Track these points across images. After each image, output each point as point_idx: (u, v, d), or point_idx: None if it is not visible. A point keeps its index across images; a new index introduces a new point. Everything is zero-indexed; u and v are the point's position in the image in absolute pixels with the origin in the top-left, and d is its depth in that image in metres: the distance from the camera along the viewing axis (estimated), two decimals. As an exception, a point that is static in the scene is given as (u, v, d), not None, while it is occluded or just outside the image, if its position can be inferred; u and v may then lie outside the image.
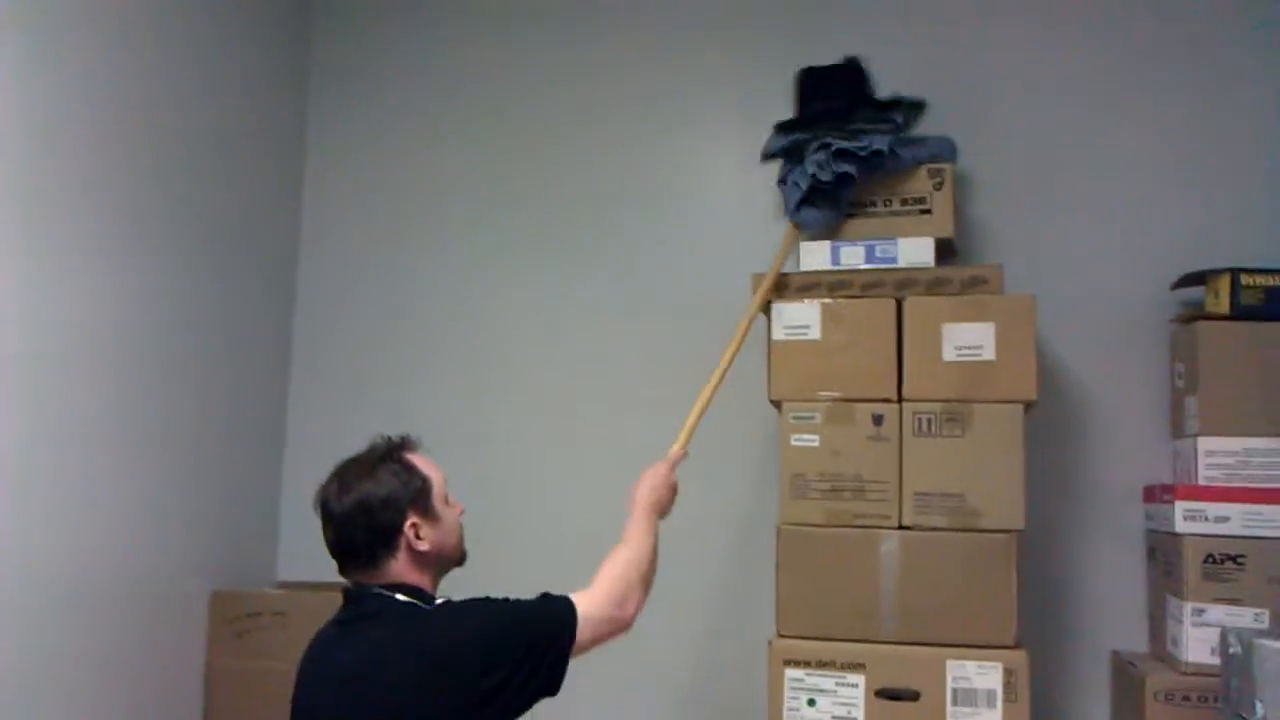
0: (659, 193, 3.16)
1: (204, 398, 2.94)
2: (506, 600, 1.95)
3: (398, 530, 1.92)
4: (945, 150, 2.71)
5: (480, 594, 1.94)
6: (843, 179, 2.64)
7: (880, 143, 2.62)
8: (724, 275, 2.85)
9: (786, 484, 2.50)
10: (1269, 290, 2.47)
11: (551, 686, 1.89)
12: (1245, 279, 2.48)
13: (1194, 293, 2.62)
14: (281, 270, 3.35)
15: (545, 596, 1.97)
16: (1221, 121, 2.80)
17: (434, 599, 1.94)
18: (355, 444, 2.02)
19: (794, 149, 2.75)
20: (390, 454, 1.98)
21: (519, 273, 3.23)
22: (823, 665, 2.39)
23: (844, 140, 2.64)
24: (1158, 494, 2.59)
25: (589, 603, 1.97)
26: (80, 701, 2.48)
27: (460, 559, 2.05)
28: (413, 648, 1.84)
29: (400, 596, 1.91)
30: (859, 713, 2.35)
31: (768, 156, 2.81)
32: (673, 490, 2.32)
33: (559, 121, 3.25)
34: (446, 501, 2.02)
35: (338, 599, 2.02)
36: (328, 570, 1.99)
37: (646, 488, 2.27)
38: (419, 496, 1.95)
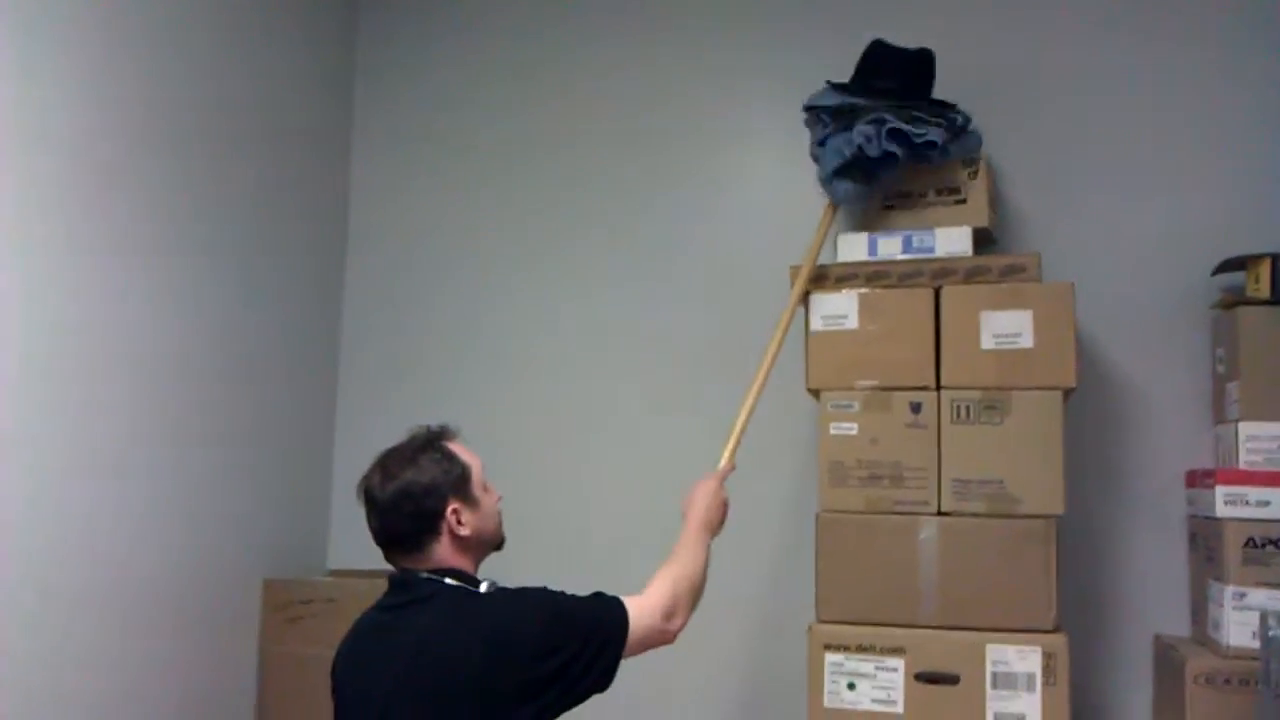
0: (697, 184, 3.19)
1: (256, 393, 3.02)
2: (562, 593, 2.00)
3: (440, 516, 1.98)
4: (974, 142, 2.72)
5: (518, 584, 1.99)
6: (887, 159, 2.62)
7: (936, 134, 2.61)
8: (762, 266, 2.88)
9: (825, 472, 2.53)
10: (1310, 275, 2.47)
11: (603, 683, 1.94)
12: (1286, 263, 2.47)
13: (1235, 278, 2.62)
14: (330, 266, 3.42)
15: (599, 595, 2.01)
16: (1264, 102, 2.78)
17: (479, 582, 2.00)
18: (404, 434, 2.08)
19: (843, 112, 2.69)
20: (431, 443, 2.04)
21: (557, 267, 3.29)
22: (862, 649, 2.42)
23: (902, 122, 2.62)
24: (1199, 479, 2.59)
25: (639, 609, 2.00)
26: (138, 685, 2.56)
27: (499, 543, 2.10)
28: (471, 628, 1.89)
29: (449, 580, 1.97)
30: (898, 696, 2.38)
31: (811, 108, 2.76)
32: (723, 508, 2.31)
33: (598, 115, 3.30)
34: (485, 488, 2.07)
35: (386, 584, 2.09)
36: (377, 558, 2.04)
37: (699, 506, 2.28)
38: (460, 483, 2.01)
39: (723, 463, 2.40)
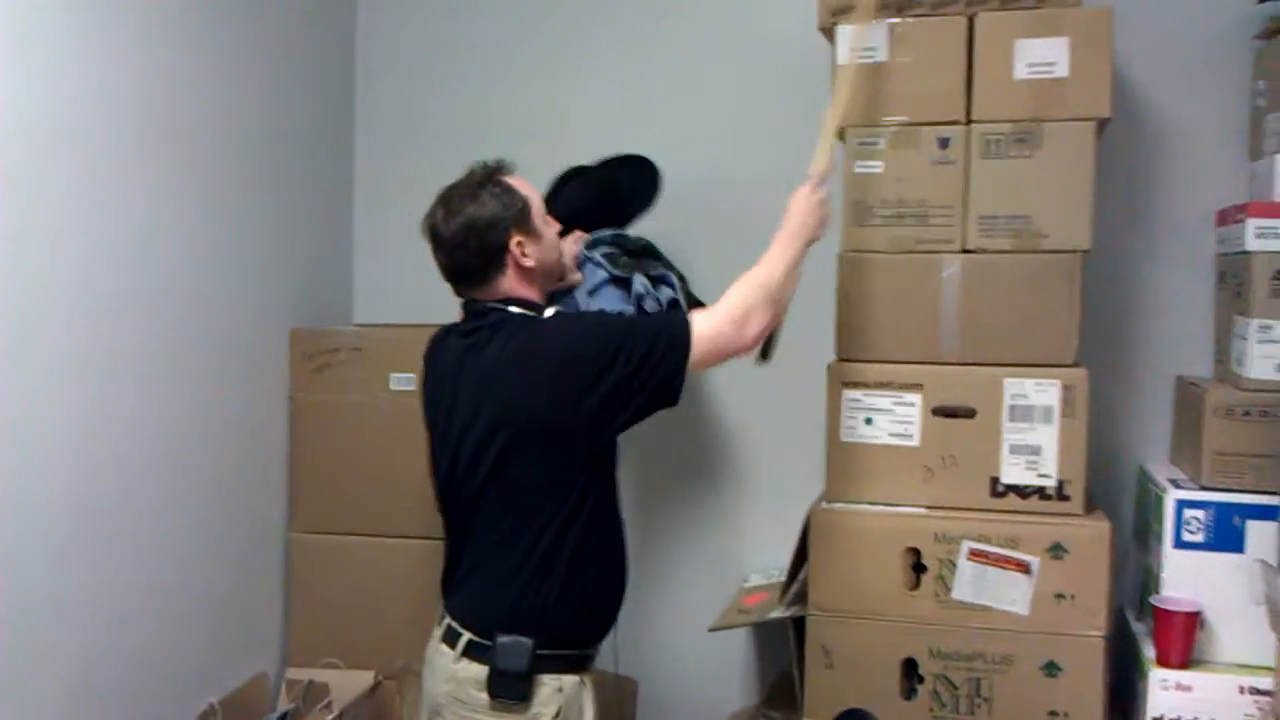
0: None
1: (278, 148, 2.97)
2: (621, 314, 2.09)
3: (504, 249, 2.04)
4: None
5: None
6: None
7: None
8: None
9: (849, 211, 2.47)
10: (1362, -1, 2.34)
11: (667, 396, 2.01)
12: (1336, -15, 2.35)
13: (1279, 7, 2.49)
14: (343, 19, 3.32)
15: (666, 312, 2.08)
16: None
17: (544, 308, 2.08)
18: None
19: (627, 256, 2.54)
20: (489, 177, 2.09)
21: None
22: (881, 386, 2.43)
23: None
24: (1231, 215, 2.53)
25: (707, 321, 2.05)
26: (173, 435, 2.60)
27: (562, 274, 2.20)
28: (534, 351, 1.98)
29: (514, 309, 2.05)
30: (915, 430, 2.40)
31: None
32: (819, 210, 2.26)
33: None
34: (546, 220, 2.14)
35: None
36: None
37: (793, 212, 2.24)
38: (521, 216, 2.06)
39: (814, 165, 2.31)
